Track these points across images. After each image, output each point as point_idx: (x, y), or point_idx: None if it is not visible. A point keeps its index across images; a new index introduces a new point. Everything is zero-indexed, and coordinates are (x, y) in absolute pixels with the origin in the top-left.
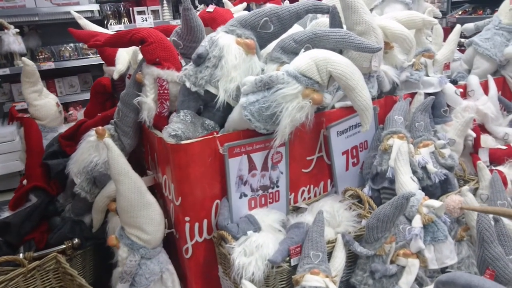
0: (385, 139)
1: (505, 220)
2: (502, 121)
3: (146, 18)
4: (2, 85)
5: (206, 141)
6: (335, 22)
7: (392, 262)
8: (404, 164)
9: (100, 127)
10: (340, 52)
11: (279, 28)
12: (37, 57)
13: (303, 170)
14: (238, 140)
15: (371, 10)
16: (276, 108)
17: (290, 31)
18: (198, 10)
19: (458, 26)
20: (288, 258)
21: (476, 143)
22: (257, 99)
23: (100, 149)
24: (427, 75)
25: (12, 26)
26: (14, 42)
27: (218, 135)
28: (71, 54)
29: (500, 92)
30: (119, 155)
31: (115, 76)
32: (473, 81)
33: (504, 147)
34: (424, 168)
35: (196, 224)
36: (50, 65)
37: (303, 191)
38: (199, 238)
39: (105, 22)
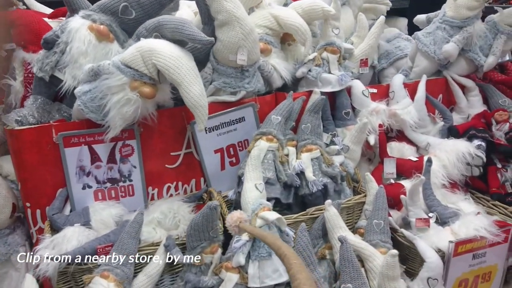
0: (253, 140)
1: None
2: (431, 128)
3: None
4: None
5: (41, 128)
6: (201, 10)
7: (217, 274)
8: (252, 170)
9: None
10: None
11: (142, 14)
12: None
13: (167, 165)
14: (78, 130)
15: None
16: (102, 99)
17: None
18: None
19: (381, 17)
20: (94, 257)
21: (381, 152)
22: (90, 89)
23: None
24: (330, 72)
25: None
26: None
27: (55, 123)
28: None
29: (441, 96)
30: None
31: None
32: (395, 81)
33: (415, 159)
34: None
35: (38, 211)
36: None
37: (169, 187)
38: (43, 225)
39: None
